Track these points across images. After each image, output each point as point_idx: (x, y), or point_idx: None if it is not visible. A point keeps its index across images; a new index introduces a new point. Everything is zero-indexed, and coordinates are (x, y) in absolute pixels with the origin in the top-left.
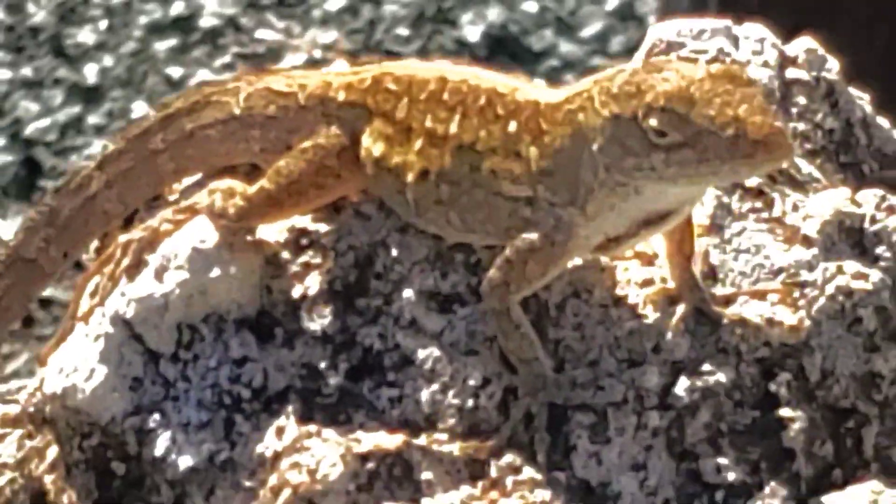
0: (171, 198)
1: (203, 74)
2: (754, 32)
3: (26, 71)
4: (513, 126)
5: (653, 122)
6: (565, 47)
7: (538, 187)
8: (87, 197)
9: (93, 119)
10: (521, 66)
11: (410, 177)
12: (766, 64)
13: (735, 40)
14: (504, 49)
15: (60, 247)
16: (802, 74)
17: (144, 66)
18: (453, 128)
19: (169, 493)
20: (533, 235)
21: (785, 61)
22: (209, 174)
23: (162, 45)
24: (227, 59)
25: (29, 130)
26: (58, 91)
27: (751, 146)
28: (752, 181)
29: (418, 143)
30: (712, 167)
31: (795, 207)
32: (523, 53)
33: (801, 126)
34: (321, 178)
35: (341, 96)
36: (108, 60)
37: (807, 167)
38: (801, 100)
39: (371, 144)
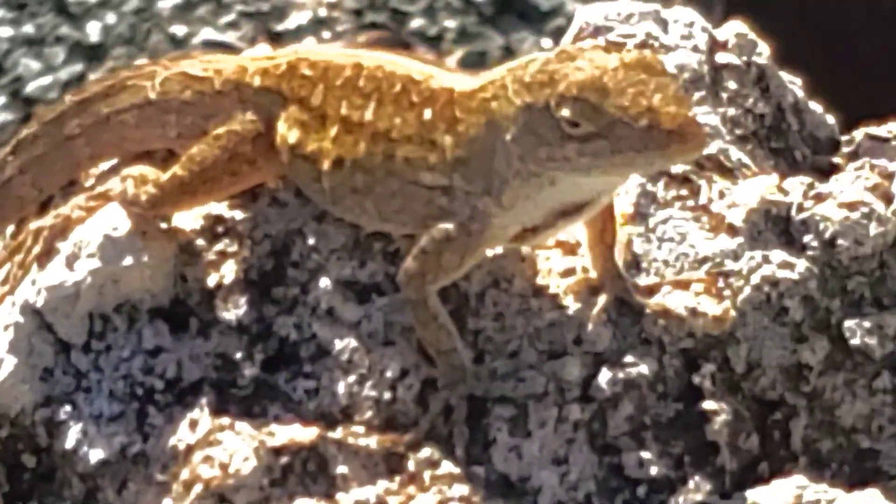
0: (87, 183)
1: (207, 33)
2: (683, 16)
3: (28, 28)
4: (427, 114)
5: (565, 111)
6: (572, 6)
7: (453, 176)
8: (1, 182)
9: (95, 77)
10: (529, 26)
11: (326, 164)
12: (695, 48)
13: (664, 24)
14: (511, 8)
15: None
16: (733, 59)
17: (148, 24)
18: (368, 115)
19: (80, 487)
20: (449, 225)
21: (715, 45)
22: (125, 159)
23: (166, 3)
24: (231, 17)
25: (30, 88)
26: (60, 49)
27: (664, 137)
28: (678, 168)
29: (333, 130)
30: (626, 158)
31: (722, 195)
32: (531, 12)
33: (732, 111)
34: (235, 164)
35: (257, 81)
36: (111, 18)
37: (736, 153)
38: (732, 84)
39: (286, 131)
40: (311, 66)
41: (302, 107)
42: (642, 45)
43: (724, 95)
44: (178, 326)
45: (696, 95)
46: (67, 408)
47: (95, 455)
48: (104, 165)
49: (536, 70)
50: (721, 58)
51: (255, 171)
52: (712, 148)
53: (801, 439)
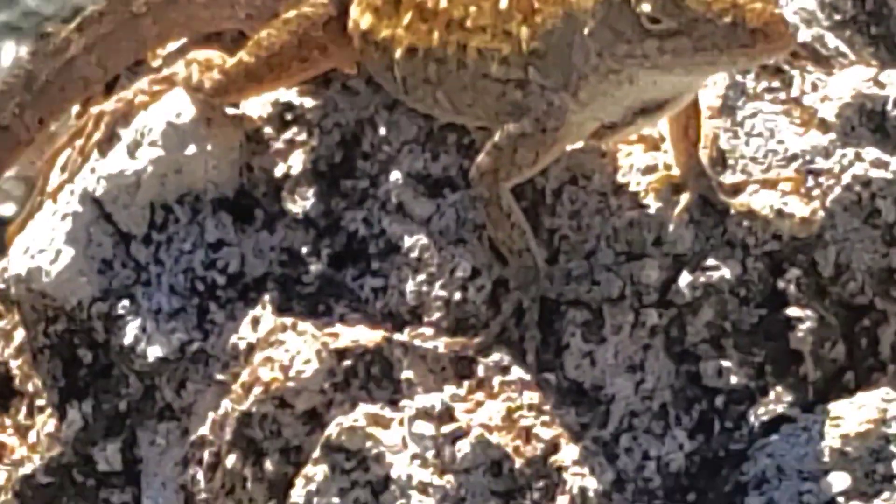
0: (155, 63)
1: None
2: None
3: None
4: (504, 3)
5: (646, 7)
6: None
7: (529, 69)
8: (65, 61)
9: None
10: None
11: (398, 53)
12: None
13: None
14: None
15: (36, 113)
16: None
17: None
18: (443, 2)
19: (138, 385)
20: (524, 121)
21: None
22: (194, 40)
23: None
24: None
25: None
26: None
27: (749, 35)
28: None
29: (407, 17)
30: (708, 57)
31: (815, 87)
32: None
33: None
34: (305, 50)
35: None
36: None
37: (833, 40)
38: None
39: (359, 16)
40: None
41: None
42: None
43: None
44: (242, 218)
45: None
46: (126, 302)
47: (154, 352)
48: (172, 45)
49: None
50: None
51: (325, 58)
52: (807, 35)
53: (890, 347)
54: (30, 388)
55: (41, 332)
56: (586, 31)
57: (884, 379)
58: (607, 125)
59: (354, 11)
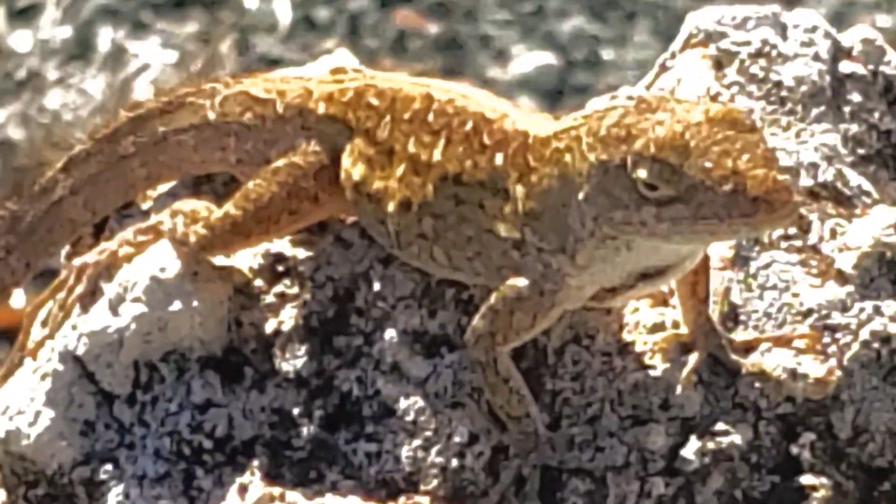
0: (145, 206)
1: None
2: (805, 20)
3: None
4: (499, 159)
5: (642, 173)
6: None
7: (525, 230)
8: (51, 203)
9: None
10: None
11: (392, 206)
12: (816, 57)
13: (783, 29)
14: None
15: (22, 256)
16: (858, 68)
17: None
18: (437, 155)
19: None
20: (521, 282)
21: (839, 53)
22: (184, 182)
23: None
24: None
25: None
26: None
27: (751, 204)
28: None
29: (400, 169)
30: (708, 226)
31: (833, 234)
32: None
33: (854, 127)
34: (295, 202)
35: (321, 108)
36: None
37: (856, 178)
38: (856, 97)
39: (351, 166)
40: (378, 95)
41: (368, 140)
42: (757, 55)
43: (847, 110)
44: (231, 377)
45: (815, 111)
46: (109, 466)
47: None
48: (163, 187)
49: (613, 123)
50: (845, 67)
51: (316, 209)
52: (828, 174)
53: None
54: None
55: (21, 496)
56: (581, 195)
57: None
58: (608, 288)
59: (346, 161)
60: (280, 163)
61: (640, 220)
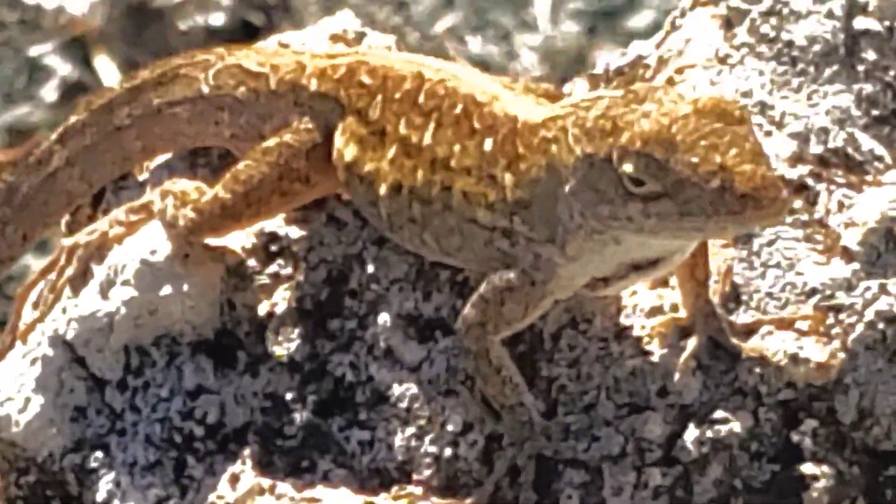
0: (141, 177)
1: None
2: None
3: None
4: (488, 144)
5: (628, 167)
6: None
7: (514, 219)
8: (47, 174)
9: None
10: None
11: (383, 189)
12: (830, 14)
13: None
14: None
15: (19, 229)
16: (873, 24)
17: None
18: (427, 138)
19: None
20: (510, 273)
21: (854, 8)
22: (181, 154)
23: None
24: None
25: None
26: None
27: (737, 201)
28: (793, 173)
29: (392, 151)
30: (695, 222)
31: (841, 206)
32: None
33: (869, 87)
34: (286, 183)
35: (314, 85)
36: None
37: (868, 142)
38: (870, 55)
39: (343, 145)
40: (370, 73)
41: (360, 119)
42: (769, 13)
43: (861, 68)
44: (223, 361)
45: (828, 71)
46: (99, 454)
47: None
48: (159, 159)
49: (599, 114)
50: (860, 23)
51: (308, 190)
52: (839, 139)
53: None
54: None
55: (13, 482)
56: (567, 188)
57: None
58: (600, 278)
59: (339, 140)
60: (271, 142)
61: (627, 215)
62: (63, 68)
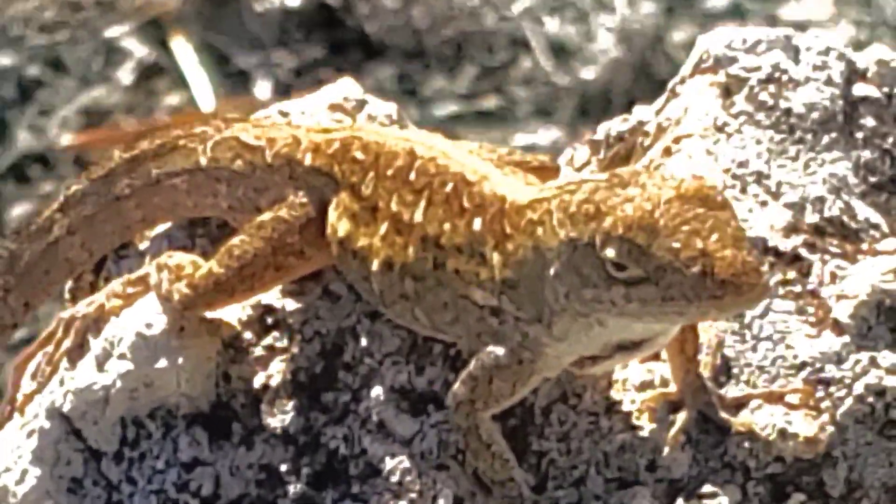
0: (142, 246)
1: None
2: (818, 42)
3: None
4: (477, 224)
5: (610, 252)
6: None
7: (502, 298)
8: (48, 243)
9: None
10: None
11: (375, 265)
12: (829, 81)
13: (795, 52)
14: None
15: (21, 296)
16: (872, 91)
17: None
18: (418, 216)
19: None
20: (499, 350)
21: (853, 75)
22: (180, 224)
23: None
24: None
25: None
26: None
27: (718, 286)
28: (787, 244)
29: (383, 228)
30: (677, 307)
31: (834, 278)
32: None
33: (867, 154)
34: (281, 257)
35: (308, 159)
36: None
37: (864, 210)
38: (869, 121)
39: (336, 220)
40: (363, 149)
41: (353, 195)
42: (767, 80)
43: (860, 135)
44: (218, 433)
45: (825, 139)
46: None
47: None
48: (159, 228)
49: (583, 198)
50: (859, 89)
51: (302, 263)
52: (835, 208)
53: None
54: None
55: None
56: (552, 271)
57: None
58: (588, 357)
59: (332, 215)
60: (266, 217)
61: (610, 299)
62: (139, 50)
